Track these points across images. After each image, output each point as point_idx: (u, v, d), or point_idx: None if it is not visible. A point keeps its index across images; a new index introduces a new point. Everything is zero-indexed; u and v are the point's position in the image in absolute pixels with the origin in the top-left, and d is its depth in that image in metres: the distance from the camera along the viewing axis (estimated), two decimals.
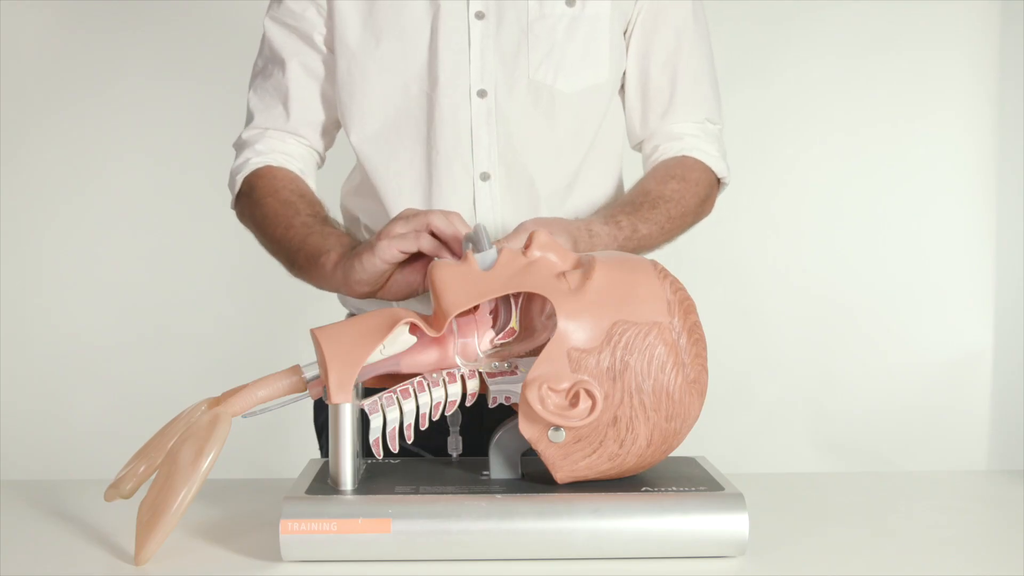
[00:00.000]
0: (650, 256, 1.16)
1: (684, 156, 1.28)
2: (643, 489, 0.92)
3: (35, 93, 2.55)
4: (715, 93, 1.33)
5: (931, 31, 2.61)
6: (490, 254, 0.95)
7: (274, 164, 1.27)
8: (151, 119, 2.56)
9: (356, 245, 1.11)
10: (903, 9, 2.60)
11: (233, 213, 1.32)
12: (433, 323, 0.94)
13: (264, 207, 1.22)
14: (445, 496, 0.90)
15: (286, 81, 1.28)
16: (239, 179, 1.27)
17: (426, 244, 1.02)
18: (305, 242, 1.16)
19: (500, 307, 0.99)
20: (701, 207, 1.28)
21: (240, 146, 1.31)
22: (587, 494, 0.90)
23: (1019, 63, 2.59)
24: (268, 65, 1.31)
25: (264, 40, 1.32)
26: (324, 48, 1.28)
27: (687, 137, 1.29)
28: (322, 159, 1.35)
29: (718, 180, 1.31)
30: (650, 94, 1.30)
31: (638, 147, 1.36)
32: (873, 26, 2.61)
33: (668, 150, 1.28)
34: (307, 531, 0.88)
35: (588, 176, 1.28)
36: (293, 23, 1.28)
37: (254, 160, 1.27)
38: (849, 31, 2.61)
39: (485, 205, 1.22)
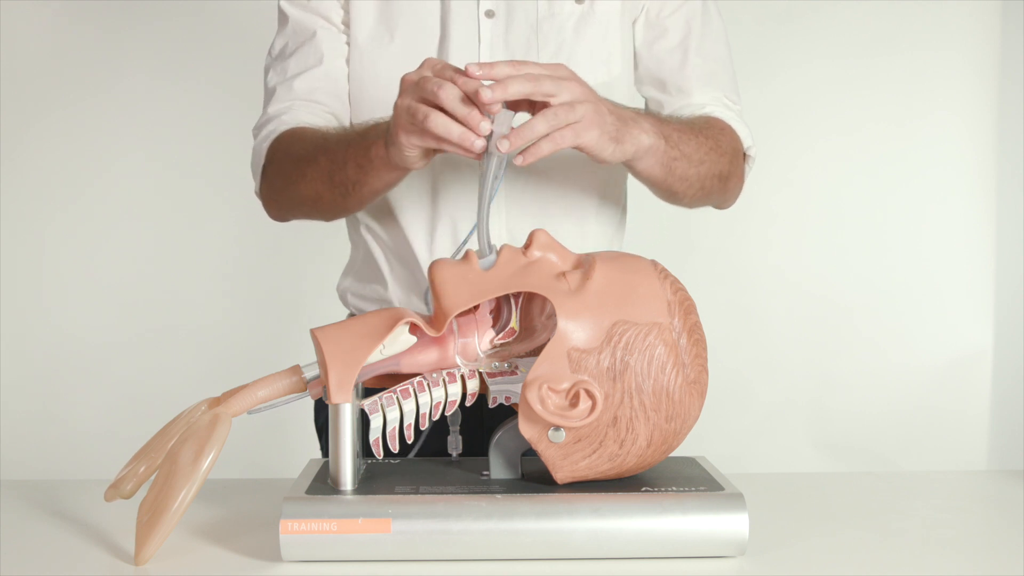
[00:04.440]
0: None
1: (708, 115, 1.24)
2: (643, 489, 0.92)
3: (35, 93, 2.55)
4: (732, 78, 1.31)
5: (932, 32, 2.61)
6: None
7: (296, 127, 1.21)
8: (151, 119, 2.56)
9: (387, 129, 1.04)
10: (904, 10, 2.60)
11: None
12: (433, 323, 0.94)
13: (290, 157, 1.17)
14: (445, 496, 0.90)
15: (307, 52, 1.25)
16: (264, 147, 1.22)
17: (444, 144, 0.95)
18: (348, 151, 1.10)
19: (500, 307, 0.99)
20: (731, 163, 1.22)
21: (262, 123, 1.26)
22: (587, 494, 0.90)
23: (1019, 64, 2.59)
24: (289, 43, 1.27)
25: (282, 21, 1.29)
26: (343, 27, 1.26)
27: (708, 105, 1.26)
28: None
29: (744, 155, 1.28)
30: (663, 78, 1.28)
31: None
32: (874, 27, 2.61)
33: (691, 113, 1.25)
34: (307, 531, 0.88)
35: (595, 177, 1.28)
36: (313, 5, 1.26)
37: (279, 129, 1.22)
38: (849, 32, 2.61)
39: (493, 206, 1.22)
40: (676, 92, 1.27)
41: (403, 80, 0.98)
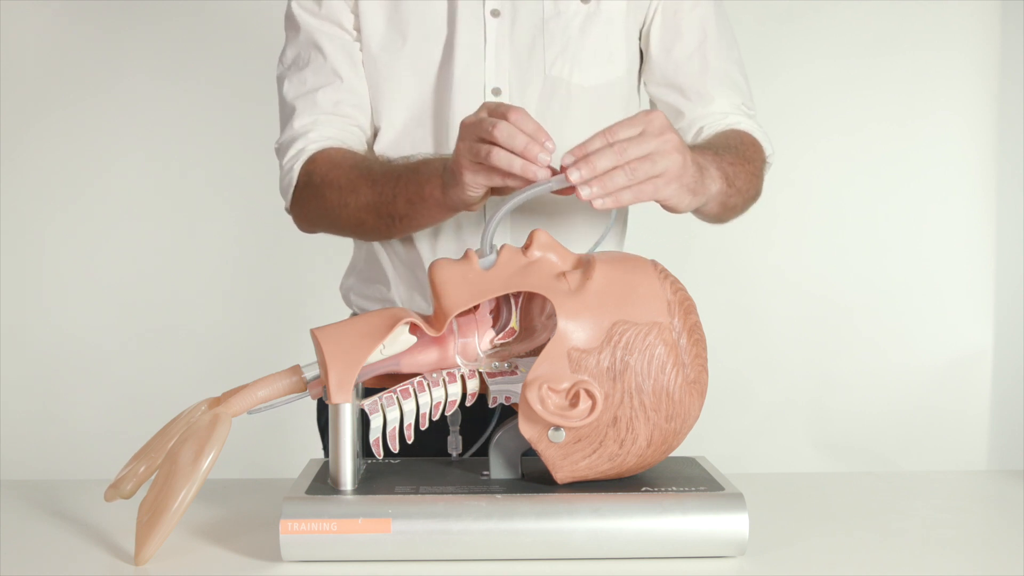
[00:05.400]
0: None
1: (733, 128, 1.25)
2: (643, 489, 0.92)
3: (35, 93, 2.55)
4: (747, 82, 1.31)
5: (933, 32, 2.61)
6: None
7: (328, 147, 1.22)
8: (151, 119, 2.56)
9: (446, 166, 1.06)
10: (905, 10, 2.60)
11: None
12: (433, 323, 0.94)
13: (330, 184, 1.18)
14: (445, 496, 0.90)
15: (324, 62, 1.24)
16: (296, 168, 1.22)
17: (508, 179, 0.97)
18: (398, 186, 1.12)
19: (500, 307, 0.99)
20: (761, 180, 1.23)
21: (289, 140, 1.25)
22: (587, 494, 0.90)
23: (1020, 64, 2.59)
24: (302, 52, 1.27)
25: (292, 27, 1.28)
26: (355, 31, 1.26)
27: (731, 115, 1.26)
28: (370, 141, 1.30)
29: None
30: (682, 83, 1.27)
31: None
32: (875, 27, 2.61)
33: (716, 127, 1.25)
34: (307, 531, 0.88)
35: None
36: (324, 11, 1.25)
37: (309, 148, 1.22)
38: (851, 32, 2.61)
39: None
40: (696, 98, 1.27)
41: (461, 124, 1.01)
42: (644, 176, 0.95)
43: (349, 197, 1.16)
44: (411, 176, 1.11)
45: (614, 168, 0.94)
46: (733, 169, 1.13)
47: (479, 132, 0.98)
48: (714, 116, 1.26)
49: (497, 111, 0.98)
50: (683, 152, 0.98)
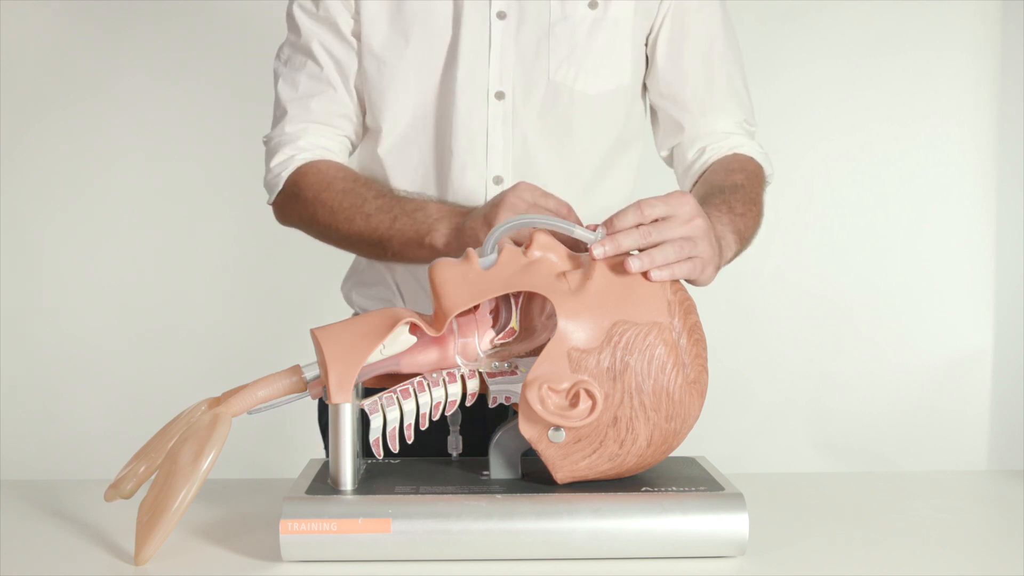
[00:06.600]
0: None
1: (736, 153, 1.25)
2: (643, 489, 0.92)
3: (35, 93, 2.55)
4: (749, 95, 1.31)
5: (934, 32, 2.61)
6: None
7: (317, 159, 1.24)
8: (151, 119, 2.56)
9: (464, 218, 1.08)
10: (906, 10, 2.60)
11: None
12: (433, 323, 0.94)
13: (321, 204, 1.19)
14: (445, 496, 0.90)
15: (319, 71, 1.25)
16: (284, 175, 1.24)
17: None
18: (394, 227, 1.14)
19: (500, 307, 0.99)
20: (763, 207, 1.23)
21: (278, 142, 1.26)
22: (587, 494, 0.91)
23: (1020, 64, 2.59)
24: (297, 55, 1.28)
25: (292, 28, 1.29)
26: (353, 39, 1.26)
27: (733, 136, 1.26)
28: (353, 149, 1.32)
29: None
30: (686, 94, 1.27)
31: (669, 158, 1.33)
32: (876, 27, 2.61)
33: (718, 150, 1.25)
34: (307, 531, 0.88)
35: (603, 182, 1.27)
36: (322, 13, 1.26)
37: (299, 157, 1.24)
38: (852, 32, 2.61)
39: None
40: (699, 113, 1.27)
41: (505, 198, 1.03)
42: (687, 254, 0.94)
43: (342, 224, 1.18)
44: (407, 220, 1.13)
45: (664, 243, 0.92)
46: (744, 221, 1.13)
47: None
48: (716, 136, 1.26)
49: (547, 203, 1.01)
50: (710, 235, 0.97)
